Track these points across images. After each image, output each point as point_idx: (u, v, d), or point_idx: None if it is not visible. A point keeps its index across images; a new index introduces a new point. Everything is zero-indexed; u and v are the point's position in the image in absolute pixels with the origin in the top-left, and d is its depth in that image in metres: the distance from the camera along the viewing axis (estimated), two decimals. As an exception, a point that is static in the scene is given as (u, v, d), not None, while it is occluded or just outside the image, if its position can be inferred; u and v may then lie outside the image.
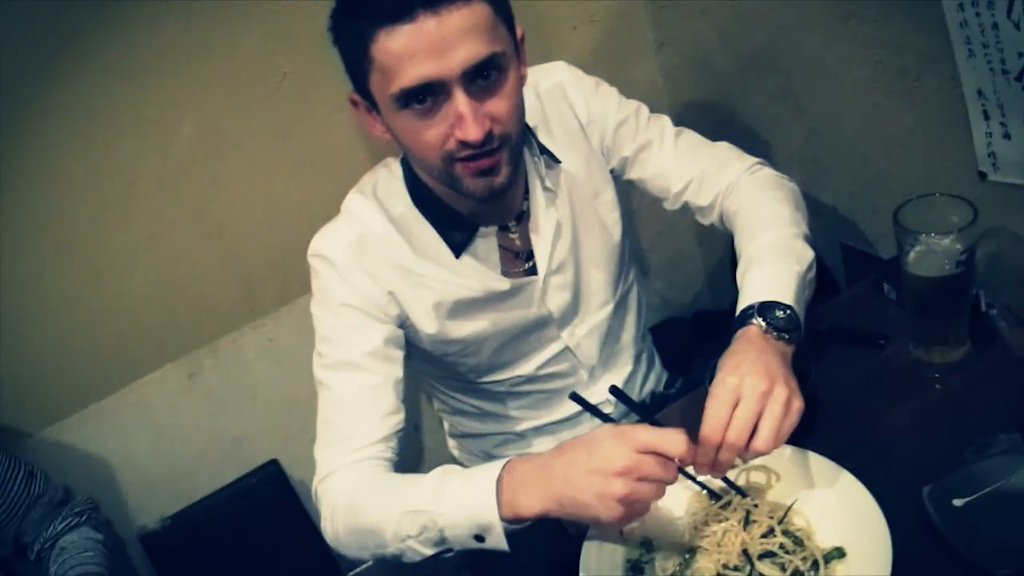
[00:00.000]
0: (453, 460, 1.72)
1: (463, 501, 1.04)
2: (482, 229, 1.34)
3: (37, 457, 1.79)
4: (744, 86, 1.87)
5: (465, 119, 1.12)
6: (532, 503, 1.00)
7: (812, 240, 1.27)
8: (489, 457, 1.59)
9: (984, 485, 1.05)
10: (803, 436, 1.11)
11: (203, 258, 1.87)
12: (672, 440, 0.95)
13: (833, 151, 1.71)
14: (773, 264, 1.20)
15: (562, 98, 1.43)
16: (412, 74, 1.10)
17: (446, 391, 1.58)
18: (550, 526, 1.13)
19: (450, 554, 1.09)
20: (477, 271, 1.35)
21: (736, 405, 1.00)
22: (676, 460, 0.97)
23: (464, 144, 1.15)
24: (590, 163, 1.44)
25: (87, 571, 1.61)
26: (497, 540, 1.03)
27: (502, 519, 1.01)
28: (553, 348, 1.48)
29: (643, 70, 2.07)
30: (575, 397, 1.13)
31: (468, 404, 1.56)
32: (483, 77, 1.13)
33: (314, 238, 1.35)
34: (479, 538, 1.03)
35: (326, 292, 1.32)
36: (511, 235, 1.38)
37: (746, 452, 1.01)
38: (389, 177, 1.36)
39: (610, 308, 1.51)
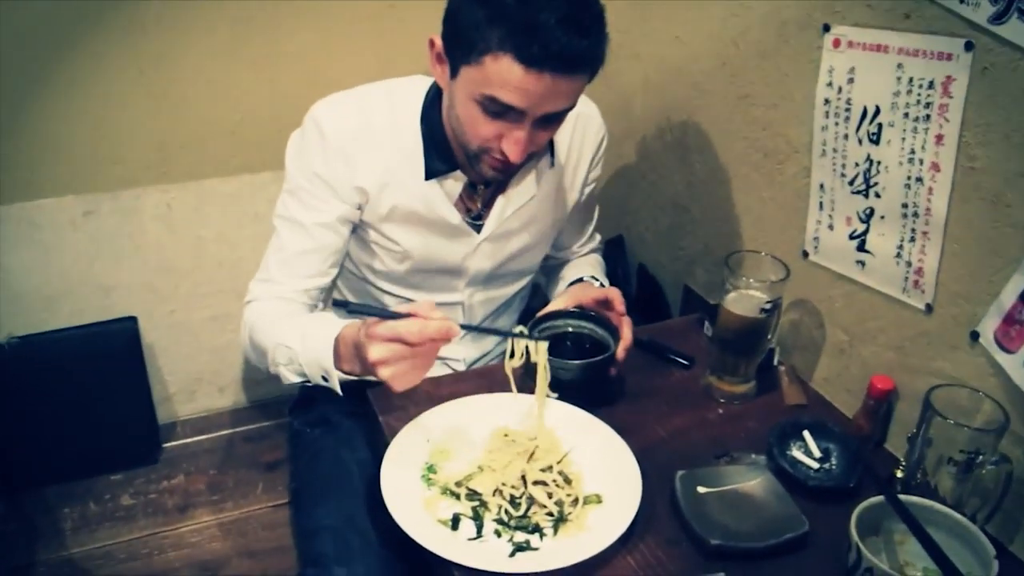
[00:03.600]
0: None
1: (314, 348, 1.31)
2: (458, 173, 1.47)
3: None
4: (649, 128, 2.06)
5: (518, 145, 1.28)
6: (350, 369, 1.29)
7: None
8: None
9: (723, 484, 1.30)
10: (602, 383, 1.45)
11: (137, 111, 1.93)
12: (408, 328, 1.14)
13: (701, 204, 1.91)
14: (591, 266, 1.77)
15: (590, 133, 1.63)
16: (506, 97, 1.22)
17: (344, 285, 1.68)
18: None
19: (310, 384, 1.36)
20: (438, 197, 1.48)
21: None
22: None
23: (504, 159, 1.32)
24: (568, 187, 1.64)
25: None
26: (334, 384, 1.31)
27: (339, 368, 1.29)
28: (451, 296, 1.63)
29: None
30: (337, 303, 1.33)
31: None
32: (550, 119, 1.30)
33: (320, 103, 1.44)
34: (324, 378, 1.32)
35: (306, 155, 1.43)
36: (475, 196, 1.53)
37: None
38: (412, 89, 1.46)
39: (509, 294, 1.70)
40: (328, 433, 1.64)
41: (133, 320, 2.11)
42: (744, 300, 1.45)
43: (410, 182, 1.46)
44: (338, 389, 1.31)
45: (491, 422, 1.38)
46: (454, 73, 1.29)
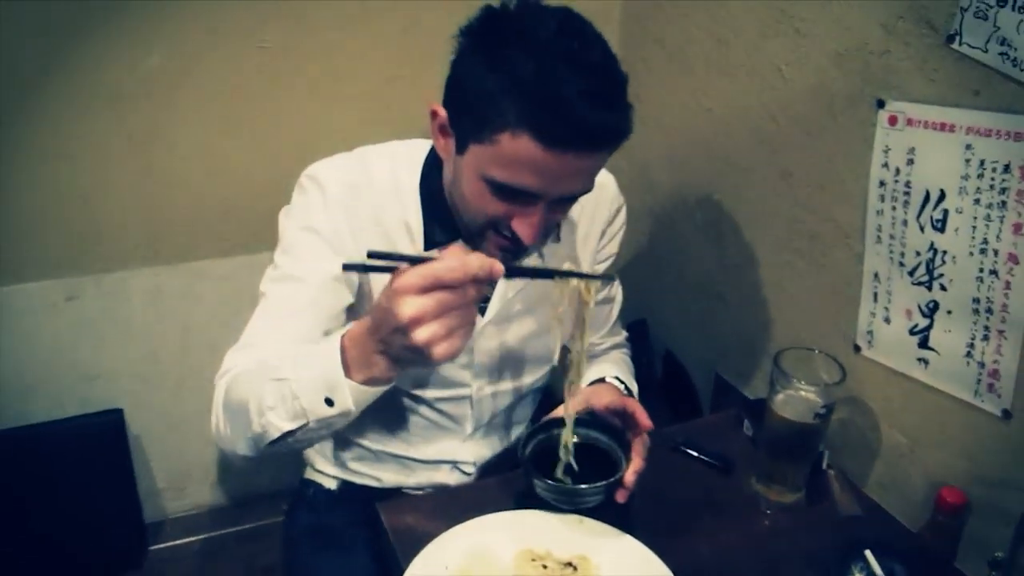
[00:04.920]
0: (302, 460, 1.68)
1: (313, 363, 1.04)
2: (461, 243, 1.30)
3: None
4: (675, 206, 1.94)
5: (531, 228, 1.14)
6: (367, 374, 1.00)
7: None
8: (343, 467, 1.58)
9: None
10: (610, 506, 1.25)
11: (124, 187, 1.83)
12: (447, 267, 0.90)
13: (736, 290, 1.78)
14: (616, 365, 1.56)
15: (603, 203, 1.47)
16: (520, 180, 1.09)
17: None
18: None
19: (306, 427, 1.07)
20: None
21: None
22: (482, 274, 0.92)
23: (513, 239, 1.17)
24: (577, 264, 1.48)
25: None
26: (344, 400, 1.02)
27: (349, 378, 1.01)
28: (458, 391, 1.47)
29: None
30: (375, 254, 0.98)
31: None
32: (567, 199, 1.18)
33: (316, 163, 1.30)
34: (329, 402, 1.03)
35: (305, 211, 1.28)
36: None
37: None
38: (412, 152, 1.34)
39: (522, 386, 1.54)
40: (328, 545, 1.49)
41: (118, 412, 1.98)
42: (794, 403, 1.31)
43: (408, 250, 1.32)
44: (350, 404, 1.03)
45: (517, 542, 1.22)
46: (461, 148, 1.14)
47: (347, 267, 0.96)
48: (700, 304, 1.93)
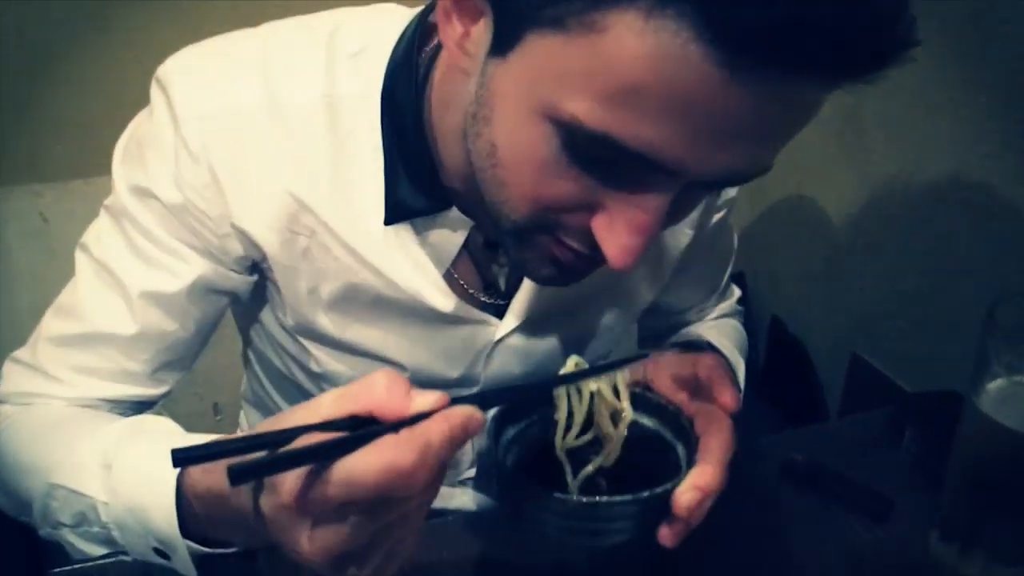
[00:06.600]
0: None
1: (136, 502, 0.68)
2: (455, 214, 0.80)
3: None
4: None
5: (636, 238, 0.61)
6: (220, 533, 0.65)
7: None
8: None
9: None
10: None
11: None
12: (386, 473, 0.48)
13: (889, 225, 1.27)
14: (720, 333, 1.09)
15: None
16: (646, 139, 0.54)
17: (265, 378, 1.09)
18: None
19: (128, 559, 0.77)
20: (411, 261, 0.83)
21: None
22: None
23: (588, 252, 0.66)
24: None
25: None
26: (184, 564, 0.67)
27: (189, 538, 0.66)
28: None
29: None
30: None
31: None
32: (714, 187, 0.69)
33: (179, 54, 0.79)
34: (162, 554, 0.69)
35: (147, 159, 0.78)
36: (499, 263, 0.88)
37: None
38: (371, 39, 0.77)
39: None
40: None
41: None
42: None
43: (354, 229, 0.81)
44: (192, 571, 0.67)
45: None
46: (504, 44, 0.59)
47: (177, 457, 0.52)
48: (828, 249, 1.45)
